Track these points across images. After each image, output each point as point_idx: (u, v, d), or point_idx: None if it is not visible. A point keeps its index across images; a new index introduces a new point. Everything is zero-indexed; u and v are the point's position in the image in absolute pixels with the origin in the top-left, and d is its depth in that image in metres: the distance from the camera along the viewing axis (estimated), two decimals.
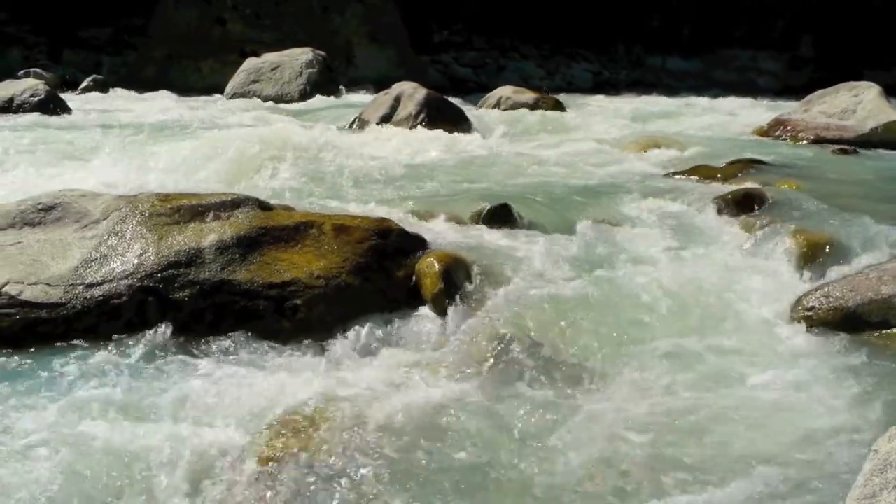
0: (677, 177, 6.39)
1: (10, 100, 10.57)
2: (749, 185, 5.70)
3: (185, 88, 15.97)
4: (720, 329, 3.42)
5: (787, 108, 10.36)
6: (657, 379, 3.05)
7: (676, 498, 2.36)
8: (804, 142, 8.79)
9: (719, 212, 5.09)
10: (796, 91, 15.19)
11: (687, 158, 7.36)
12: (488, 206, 4.77)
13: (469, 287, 3.80)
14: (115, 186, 5.24)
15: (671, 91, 17.96)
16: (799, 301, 3.73)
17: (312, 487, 2.46)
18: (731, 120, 11.21)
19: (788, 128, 9.20)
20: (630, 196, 5.45)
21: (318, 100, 13.32)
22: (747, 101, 14.79)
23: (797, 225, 4.56)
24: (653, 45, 25.29)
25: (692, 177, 6.34)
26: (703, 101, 14.79)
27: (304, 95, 13.51)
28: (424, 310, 3.74)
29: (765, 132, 9.45)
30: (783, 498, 2.31)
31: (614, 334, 3.35)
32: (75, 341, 3.46)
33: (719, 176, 6.27)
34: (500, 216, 4.70)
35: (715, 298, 3.70)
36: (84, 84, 15.80)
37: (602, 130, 9.40)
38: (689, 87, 19.41)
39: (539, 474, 2.50)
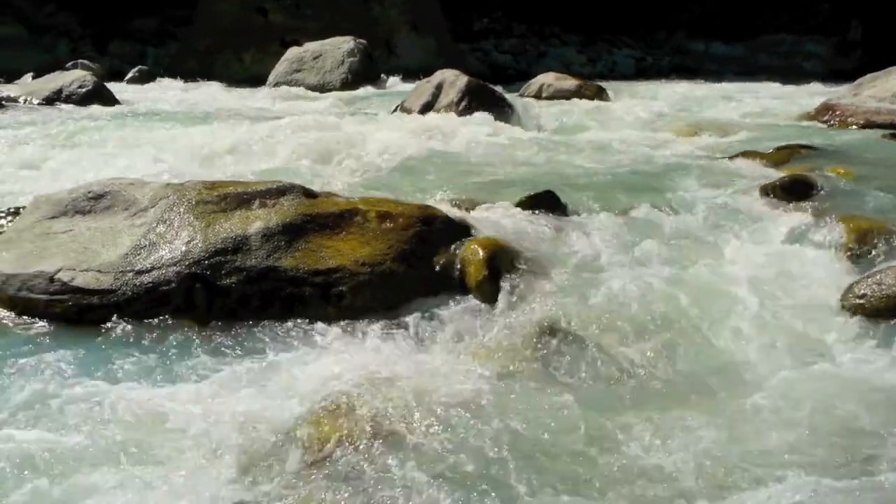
0: (723, 163, 6.28)
1: (59, 91, 10.76)
2: (797, 170, 5.60)
3: (227, 78, 16.13)
4: (769, 317, 3.37)
5: (835, 93, 10.15)
6: (705, 370, 3.02)
7: (729, 491, 2.32)
8: (853, 127, 8.60)
9: (767, 198, 5.00)
10: (844, 76, 14.89)
11: (733, 144, 7.25)
12: (532, 193, 4.75)
13: (514, 274, 3.78)
14: (165, 175, 5.31)
15: (715, 76, 17.68)
16: (850, 289, 3.66)
17: (358, 470, 2.48)
18: (777, 105, 11.01)
19: (837, 112, 9.01)
20: (675, 182, 5.38)
21: (360, 88, 13.35)
22: (793, 86, 14.53)
23: (847, 211, 4.47)
24: (696, 30, 24.93)
25: (739, 162, 6.23)
26: (749, 86, 14.55)
27: (346, 84, 13.55)
28: (469, 297, 3.74)
29: (812, 117, 9.27)
30: (838, 488, 2.27)
31: (661, 323, 3.31)
32: (125, 327, 3.52)
33: (766, 161, 6.16)
34: (545, 203, 4.67)
35: (764, 286, 3.65)
36: (130, 75, 16.03)
37: (646, 116, 9.29)
38: (733, 73, 19.11)
39: (580, 467, 2.48)
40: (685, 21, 24.94)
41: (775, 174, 5.52)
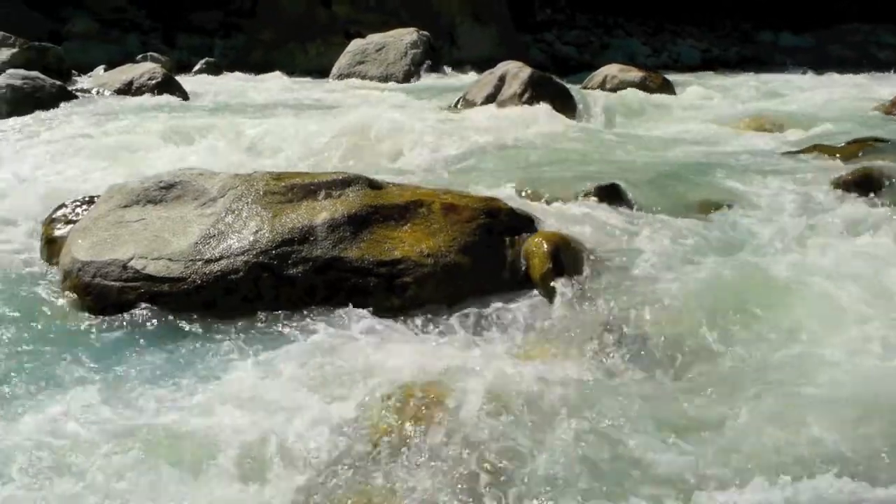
0: (793, 156, 6.15)
1: (130, 83, 11.02)
2: (870, 164, 5.45)
3: (292, 70, 16.32)
4: (843, 314, 3.28)
5: None
6: (780, 368, 2.95)
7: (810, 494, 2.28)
8: None
9: (839, 192, 4.89)
10: None
11: (803, 137, 7.09)
12: (597, 186, 4.71)
13: (578, 268, 3.76)
14: (231, 166, 5.40)
15: (784, 68, 17.28)
16: None
17: (420, 462, 2.50)
18: (849, 97, 10.70)
19: None
20: (744, 176, 5.28)
21: (423, 80, 13.37)
22: (867, 76, 14.12)
23: None
24: (764, 20, 24.40)
25: (809, 156, 6.08)
26: (820, 77, 14.18)
27: (409, 76, 13.58)
28: (533, 290, 3.73)
29: (888, 110, 8.99)
30: None
31: (731, 317, 3.25)
32: (194, 315, 3.60)
33: (838, 155, 6.00)
34: (610, 196, 4.63)
35: (836, 281, 3.55)
36: (197, 67, 16.32)
37: (712, 109, 9.14)
38: (803, 64, 18.62)
39: (645, 465, 2.45)
40: (753, 11, 24.41)
41: (848, 168, 5.39)
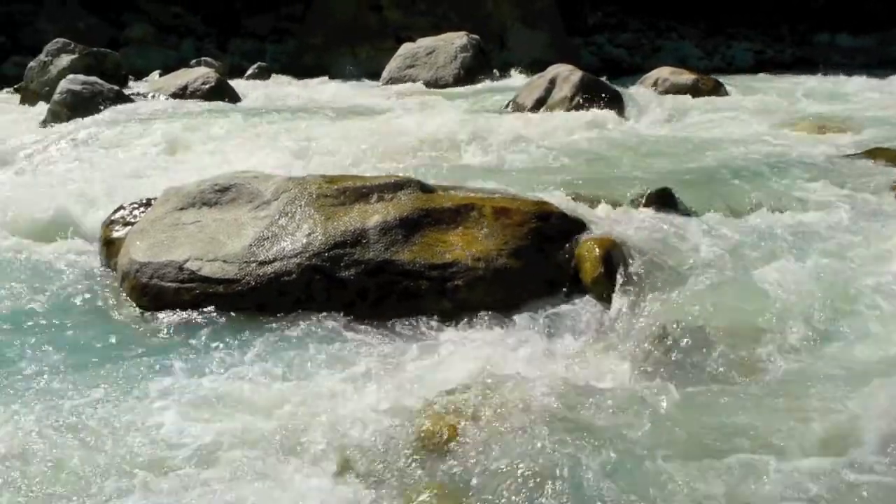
0: (851, 161, 6.02)
1: (185, 87, 11.19)
2: None
3: (342, 74, 16.45)
4: None
5: None
6: (830, 372, 2.90)
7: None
8: None
9: None
10: None
11: (861, 141, 6.93)
12: (649, 191, 4.67)
13: (630, 272, 3.73)
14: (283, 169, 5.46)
15: (841, 70, 16.90)
16: None
17: (471, 466, 2.50)
18: None
19: None
20: (799, 181, 5.19)
21: (473, 84, 13.36)
22: None
23: None
24: (820, 21, 23.94)
25: (867, 160, 5.94)
26: (878, 80, 13.84)
27: (459, 80, 13.55)
28: (584, 294, 3.71)
29: None
30: None
31: (785, 326, 3.20)
32: (248, 315, 3.65)
33: None
34: (662, 200, 4.59)
35: (893, 289, 3.48)
36: (249, 71, 16.49)
37: (767, 112, 8.97)
38: (861, 66, 18.20)
39: (698, 467, 2.42)
40: (809, 12, 23.98)
41: None
